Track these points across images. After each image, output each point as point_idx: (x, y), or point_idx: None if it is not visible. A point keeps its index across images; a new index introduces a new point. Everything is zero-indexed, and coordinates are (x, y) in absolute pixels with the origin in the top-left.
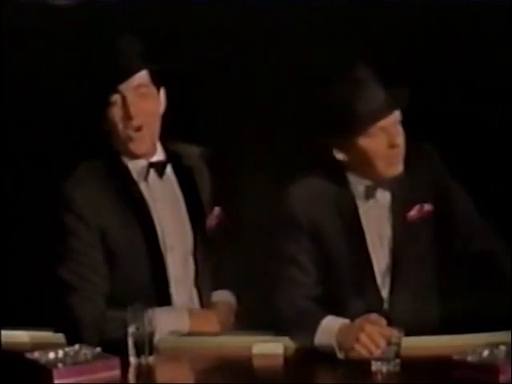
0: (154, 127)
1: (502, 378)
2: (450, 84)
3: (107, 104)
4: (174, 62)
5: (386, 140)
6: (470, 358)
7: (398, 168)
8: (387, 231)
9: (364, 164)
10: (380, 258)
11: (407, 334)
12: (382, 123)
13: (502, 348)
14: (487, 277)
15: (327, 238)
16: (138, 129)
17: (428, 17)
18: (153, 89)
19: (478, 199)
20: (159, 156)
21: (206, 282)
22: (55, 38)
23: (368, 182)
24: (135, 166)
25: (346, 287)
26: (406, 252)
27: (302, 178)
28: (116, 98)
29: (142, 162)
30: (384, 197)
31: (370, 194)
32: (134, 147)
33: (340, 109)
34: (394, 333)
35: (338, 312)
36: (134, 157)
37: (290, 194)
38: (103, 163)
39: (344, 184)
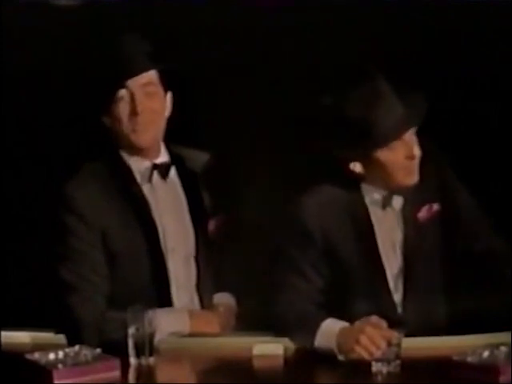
0: (159, 125)
1: (502, 378)
2: (450, 84)
3: (113, 99)
4: (176, 63)
5: (404, 151)
6: (470, 359)
7: (414, 178)
8: (399, 235)
9: (381, 175)
10: (392, 263)
11: (419, 335)
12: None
13: (503, 349)
14: (488, 277)
15: (339, 245)
16: (144, 124)
17: (428, 17)
18: (160, 89)
19: (479, 200)
20: (163, 158)
21: (207, 284)
22: (55, 38)
23: (384, 192)
24: (139, 167)
25: (359, 294)
26: (417, 254)
27: (313, 187)
28: (123, 93)
29: (146, 163)
30: (398, 203)
31: (386, 203)
32: (136, 138)
33: (362, 124)
34: (395, 334)
35: (351, 318)
36: (136, 150)
37: (302, 203)
38: (106, 164)
39: (356, 192)
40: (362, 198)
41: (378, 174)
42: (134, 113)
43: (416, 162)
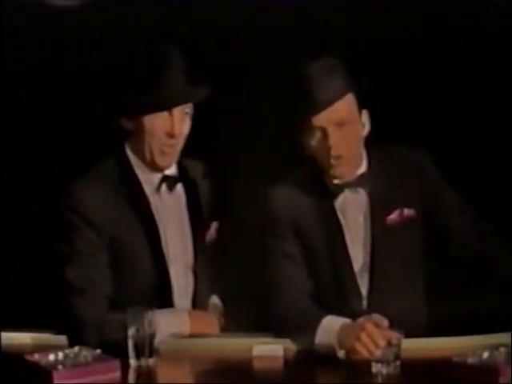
0: (181, 146)
1: (502, 379)
2: (450, 85)
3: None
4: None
5: (323, 141)
6: (470, 360)
7: (343, 169)
8: (362, 231)
9: (321, 164)
10: (359, 257)
11: None
12: (318, 121)
13: (502, 350)
14: (487, 280)
15: (308, 235)
16: (174, 146)
17: (428, 17)
18: (191, 108)
19: (478, 204)
20: (172, 170)
21: (203, 294)
22: (55, 38)
23: (337, 181)
24: (148, 177)
25: (327, 284)
26: (383, 252)
27: (283, 179)
28: (163, 112)
29: (157, 174)
30: (356, 197)
31: (337, 192)
32: (162, 162)
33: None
34: (395, 334)
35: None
36: (155, 169)
37: (271, 194)
38: (114, 168)
39: (321, 182)
40: (326, 188)
41: (319, 162)
42: (171, 134)
43: (336, 155)
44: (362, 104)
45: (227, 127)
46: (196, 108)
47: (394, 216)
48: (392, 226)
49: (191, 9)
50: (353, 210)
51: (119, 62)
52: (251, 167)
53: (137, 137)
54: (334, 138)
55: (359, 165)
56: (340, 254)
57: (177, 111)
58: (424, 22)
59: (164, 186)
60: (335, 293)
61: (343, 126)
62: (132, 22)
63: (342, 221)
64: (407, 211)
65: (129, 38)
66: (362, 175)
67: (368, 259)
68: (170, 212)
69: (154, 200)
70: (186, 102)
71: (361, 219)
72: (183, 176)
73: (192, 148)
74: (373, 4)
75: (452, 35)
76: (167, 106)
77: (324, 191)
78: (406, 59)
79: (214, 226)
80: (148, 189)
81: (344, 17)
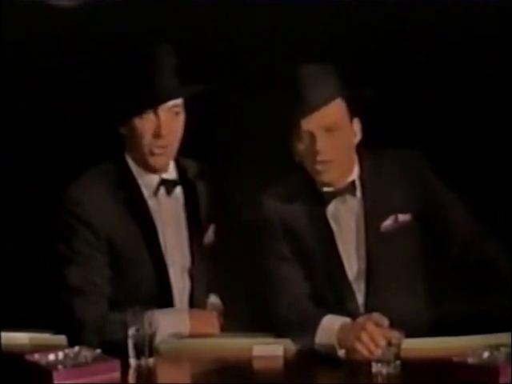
0: (175, 147)
1: (502, 379)
2: (449, 85)
3: (135, 115)
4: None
5: (310, 146)
6: (470, 360)
7: (330, 175)
8: (355, 238)
9: (309, 170)
10: (353, 264)
11: None
12: (307, 125)
13: (502, 350)
14: (487, 280)
15: (302, 240)
16: (163, 147)
17: (427, 20)
18: (183, 109)
19: (477, 205)
20: (171, 174)
21: (200, 298)
22: (56, 39)
23: (327, 188)
24: (147, 180)
25: (324, 290)
26: (379, 259)
27: (278, 183)
28: (149, 113)
29: (154, 177)
30: (348, 204)
31: (328, 199)
32: (154, 162)
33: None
34: (395, 334)
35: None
36: (150, 170)
37: (263, 198)
38: (113, 170)
39: (313, 188)
40: (318, 194)
41: (307, 168)
42: (157, 135)
43: (323, 159)
44: (354, 111)
45: (227, 128)
46: (195, 109)
47: (388, 222)
48: (387, 232)
49: (190, 9)
50: (345, 217)
51: (117, 62)
52: (250, 169)
53: (131, 141)
54: (322, 143)
55: (350, 172)
56: (333, 260)
57: (163, 112)
58: (423, 25)
59: (162, 189)
60: (332, 298)
61: (332, 132)
62: (131, 22)
63: (335, 228)
64: (402, 216)
65: (128, 39)
66: (353, 182)
67: (363, 266)
68: (168, 214)
69: (152, 203)
70: (167, 100)
71: (353, 226)
72: (182, 178)
73: (191, 149)
74: (373, 5)
75: (452, 36)
76: (149, 104)
77: (316, 197)
78: (404, 60)
79: (212, 228)
80: (146, 192)
81: (341, 19)
